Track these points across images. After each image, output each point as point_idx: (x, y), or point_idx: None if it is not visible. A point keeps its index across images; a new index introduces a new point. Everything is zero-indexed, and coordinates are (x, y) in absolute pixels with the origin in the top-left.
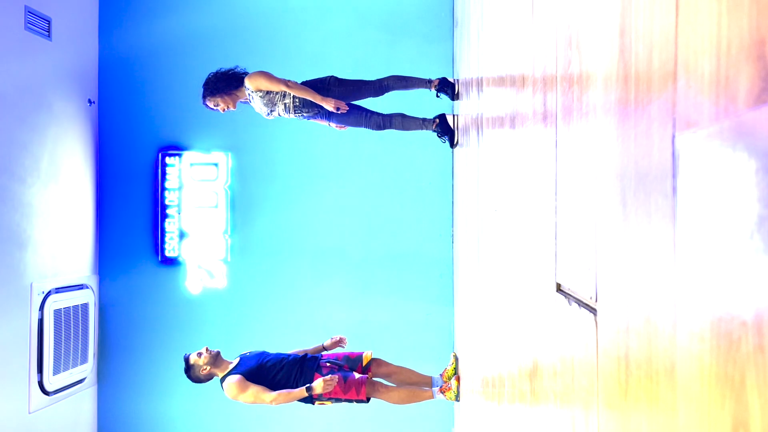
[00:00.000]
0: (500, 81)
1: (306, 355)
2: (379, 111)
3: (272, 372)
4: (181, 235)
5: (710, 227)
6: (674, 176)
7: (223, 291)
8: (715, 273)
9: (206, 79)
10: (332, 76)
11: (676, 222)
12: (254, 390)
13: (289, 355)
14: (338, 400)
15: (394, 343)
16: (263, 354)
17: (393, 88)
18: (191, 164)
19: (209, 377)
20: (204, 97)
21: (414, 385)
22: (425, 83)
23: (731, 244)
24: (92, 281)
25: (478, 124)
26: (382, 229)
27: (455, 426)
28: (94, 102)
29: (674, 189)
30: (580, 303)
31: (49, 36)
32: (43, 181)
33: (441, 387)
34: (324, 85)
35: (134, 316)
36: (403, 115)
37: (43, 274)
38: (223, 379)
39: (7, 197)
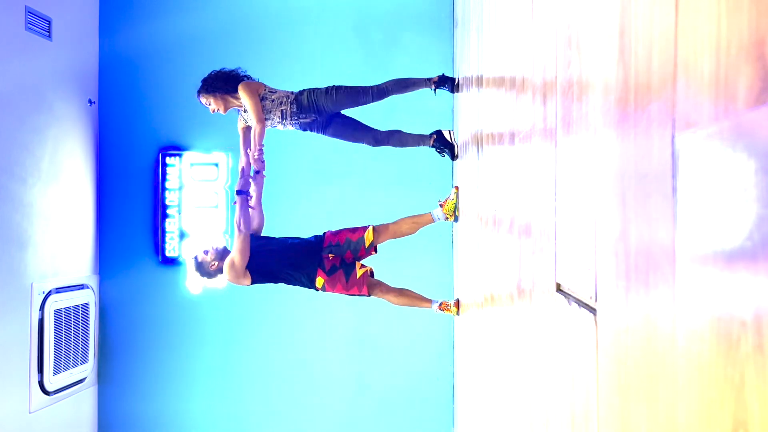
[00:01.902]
0: (500, 81)
1: (302, 243)
2: (376, 128)
3: (280, 268)
4: (182, 235)
5: (710, 227)
6: (674, 176)
7: (223, 291)
8: (715, 273)
9: (207, 75)
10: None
11: (675, 222)
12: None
13: (290, 245)
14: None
15: (394, 349)
16: (264, 247)
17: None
18: (191, 164)
19: (220, 271)
20: (199, 91)
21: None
22: (424, 82)
23: (731, 244)
24: (92, 281)
25: (477, 127)
26: None
27: (455, 426)
28: (94, 102)
29: (674, 189)
30: (580, 303)
31: (49, 36)
32: (44, 182)
33: (440, 305)
34: (324, 93)
35: (134, 316)
36: (400, 132)
37: (43, 274)
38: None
39: (8, 197)
